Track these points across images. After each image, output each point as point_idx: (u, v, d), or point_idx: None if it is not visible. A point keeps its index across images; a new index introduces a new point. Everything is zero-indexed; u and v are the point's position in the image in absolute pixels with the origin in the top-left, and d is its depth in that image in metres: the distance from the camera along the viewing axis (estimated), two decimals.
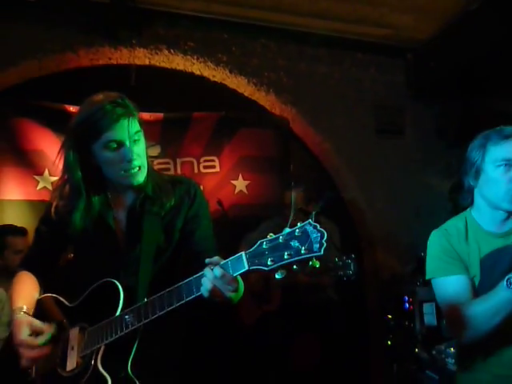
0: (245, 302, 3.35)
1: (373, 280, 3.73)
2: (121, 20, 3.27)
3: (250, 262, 1.24)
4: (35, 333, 1.43)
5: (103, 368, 1.39)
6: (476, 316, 1.47)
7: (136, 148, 1.48)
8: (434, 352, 2.54)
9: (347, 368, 3.19)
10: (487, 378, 1.57)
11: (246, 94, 3.73)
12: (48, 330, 1.44)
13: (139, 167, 1.50)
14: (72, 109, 3.40)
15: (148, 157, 1.57)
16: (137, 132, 1.48)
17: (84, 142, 1.48)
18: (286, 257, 1.19)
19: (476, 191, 1.65)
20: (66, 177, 1.55)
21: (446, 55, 3.50)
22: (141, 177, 1.52)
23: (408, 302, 2.94)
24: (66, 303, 1.56)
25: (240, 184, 3.70)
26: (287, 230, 1.22)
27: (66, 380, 1.44)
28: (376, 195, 3.78)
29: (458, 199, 3.57)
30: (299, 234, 1.20)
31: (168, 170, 3.60)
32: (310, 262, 1.21)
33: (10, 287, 1.62)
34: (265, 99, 3.74)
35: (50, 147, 3.35)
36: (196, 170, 3.66)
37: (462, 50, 3.33)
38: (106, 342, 1.39)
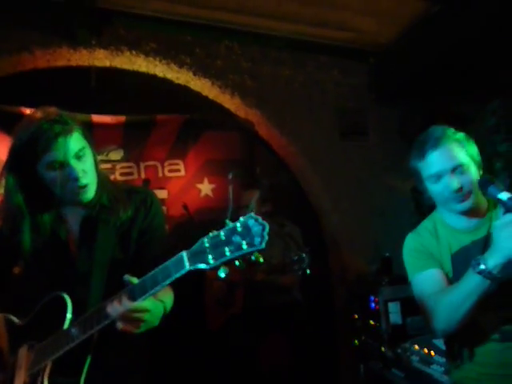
0: (209, 307, 3.34)
1: (339, 280, 3.76)
2: (80, 20, 3.18)
3: (191, 261, 1.22)
4: None
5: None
6: (447, 305, 1.50)
7: (81, 165, 1.43)
8: (399, 350, 2.58)
9: (315, 368, 3.20)
10: (473, 376, 1.60)
11: (210, 96, 3.70)
12: None
13: (86, 185, 1.45)
14: (28, 111, 3.28)
15: (98, 169, 1.52)
16: (81, 149, 1.43)
17: (26, 163, 1.42)
18: (227, 253, 1.17)
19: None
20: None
21: (406, 58, 3.58)
22: (89, 194, 1.48)
23: (374, 301, 2.98)
24: (16, 321, 1.49)
25: (205, 187, 3.67)
26: (229, 225, 1.20)
27: None
28: (341, 196, 3.82)
29: (420, 199, 3.66)
30: (241, 229, 1.18)
31: (131, 174, 3.53)
32: (253, 257, 1.21)
33: None
34: (230, 102, 3.72)
35: (5, 152, 3.21)
36: (160, 174, 3.60)
37: (422, 54, 3.41)
38: (53, 357, 1.34)
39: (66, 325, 1.36)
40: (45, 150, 1.38)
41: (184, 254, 1.24)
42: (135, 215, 1.55)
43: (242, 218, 1.19)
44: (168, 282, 1.26)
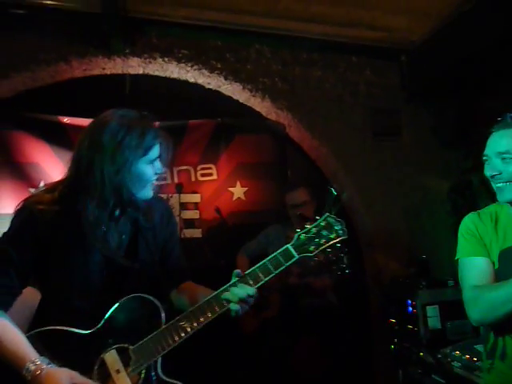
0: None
1: (374, 283, 3.70)
2: (114, 30, 3.26)
3: (297, 251, 1.52)
4: None
5: (167, 378, 1.44)
6: (490, 300, 1.50)
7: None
8: (439, 356, 2.51)
9: (351, 373, 3.16)
10: (506, 371, 1.57)
11: (241, 100, 3.72)
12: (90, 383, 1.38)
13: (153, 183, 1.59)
14: (66, 120, 3.38)
15: None
16: None
17: (129, 155, 1.51)
18: (322, 242, 1.52)
19: None
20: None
21: (439, 56, 3.50)
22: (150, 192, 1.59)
23: (411, 305, 2.91)
24: (79, 331, 1.44)
25: (238, 191, 3.69)
26: (312, 224, 1.54)
27: None
28: (374, 197, 3.76)
29: (457, 200, 3.56)
30: (325, 225, 1.54)
31: (165, 179, 3.58)
32: (338, 245, 1.54)
33: None
34: (260, 105, 3.73)
35: (44, 160, 3.33)
36: (193, 178, 3.64)
37: (455, 51, 3.32)
38: (164, 352, 1.43)
39: (163, 321, 1.45)
40: (153, 146, 1.54)
41: (289, 246, 1.52)
42: (160, 222, 1.64)
43: (321, 218, 1.55)
44: (280, 270, 1.51)
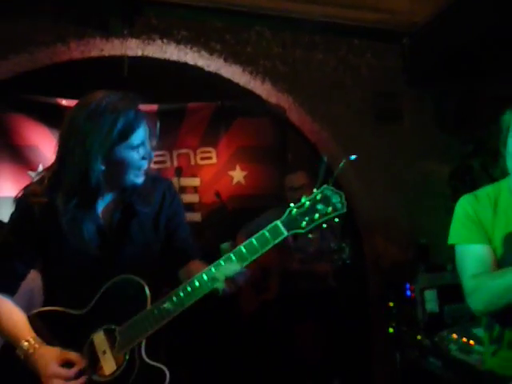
0: (243, 291, 3.38)
1: (373, 267, 3.72)
2: (112, 10, 3.22)
3: (287, 227, 1.41)
4: (65, 363, 1.38)
5: (151, 360, 1.40)
6: (493, 289, 1.45)
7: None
8: (436, 339, 2.53)
9: (349, 356, 3.19)
10: (510, 364, 1.54)
11: (241, 83, 3.68)
12: (80, 360, 1.40)
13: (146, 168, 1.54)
14: (65, 102, 3.35)
15: None
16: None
17: (114, 142, 1.46)
18: (316, 217, 1.40)
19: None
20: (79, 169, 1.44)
21: (442, 39, 3.45)
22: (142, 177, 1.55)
23: (410, 289, 2.93)
24: (72, 312, 1.48)
25: (237, 175, 3.68)
26: (307, 197, 1.43)
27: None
28: (374, 182, 3.76)
29: (458, 185, 3.54)
30: (321, 198, 1.42)
31: (164, 162, 3.58)
32: (336, 219, 1.43)
33: None
34: (260, 88, 3.69)
35: (43, 142, 3.31)
36: (193, 162, 3.63)
37: (458, 34, 3.28)
38: (148, 333, 1.40)
39: (148, 303, 1.42)
40: (133, 130, 1.46)
41: (278, 222, 1.42)
42: (162, 202, 1.61)
43: (317, 190, 1.43)
44: (267, 248, 1.43)
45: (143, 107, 3.69)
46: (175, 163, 3.59)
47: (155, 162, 3.54)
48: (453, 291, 1.65)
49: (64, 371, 1.36)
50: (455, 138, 3.81)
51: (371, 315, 3.70)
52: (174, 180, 3.52)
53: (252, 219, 3.43)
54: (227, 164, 3.66)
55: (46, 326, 1.47)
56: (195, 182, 3.61)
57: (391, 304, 3.17)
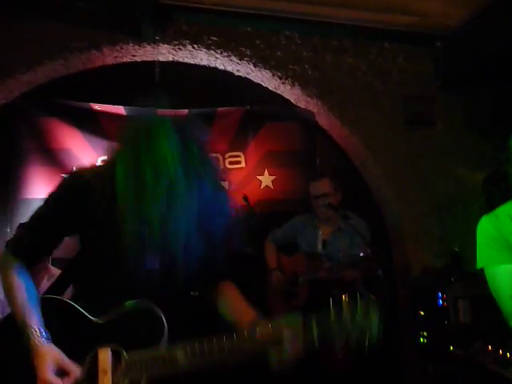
0: (272, 297, 3.36)
1: (404, 275, 3.64)
2: (144, 16, 3.26)
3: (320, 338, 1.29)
4: (61, 371, 1.31)
5: None
6: None
7: None
8: (470, 350, 2.45)
9: (378, 366, 3.12)
10: None
11: (270, 87, 3.68)
12: (76, 373, 1.32)
13: None
14: (97, 107, 3.43)
15: None
16: None
17: None
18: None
19: None
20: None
21: (476, 43, 3.37)
22: None
23: (442, 298, 2.85)
24: (90, 317, 1.39)
25: (266, 179, 3.67)
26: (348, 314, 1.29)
27: None
28: (405, 187, 3.68)
29: (493, 191, 3.44)
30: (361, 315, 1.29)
31: None
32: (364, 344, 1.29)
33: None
34: (290, 92, 3.68)
35: (76, 146, 3.39)
36: (222, 166, 3.64)
37: (493, 38, 3.20)
38: (150, 374, 1.30)
39: (161, 342, 1.33)
40: None
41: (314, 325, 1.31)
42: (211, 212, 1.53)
43: (362, 303, 1.30)
44: None
45: (173, 112, 3.75)
46: None
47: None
48: (487, 301, 1.58)
49: (55, 380, 1.29)
50: (489, 144, 3.70)
51: (401, 324, 3.62)
52: None
53: (279, 224, 3.42)
54: (256, 168, 3.66)
55: (56, 317, 1.40)
56: (224, 186, 3.61)
57: (422, 313, 3.09)
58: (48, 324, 1.36)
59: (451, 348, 2.65)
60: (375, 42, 3.72)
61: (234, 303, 1.53)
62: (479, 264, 1.60)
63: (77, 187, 1.42)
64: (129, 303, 1.37)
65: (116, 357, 1.34)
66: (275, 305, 3.20)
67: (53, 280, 1.64)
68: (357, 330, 1.26)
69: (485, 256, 1.58)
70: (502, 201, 1.69)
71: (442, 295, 2.86)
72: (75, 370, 1.32)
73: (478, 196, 3.59)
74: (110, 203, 1.37)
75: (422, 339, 3.01)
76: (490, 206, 1.68)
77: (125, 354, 1.33)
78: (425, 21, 3.49)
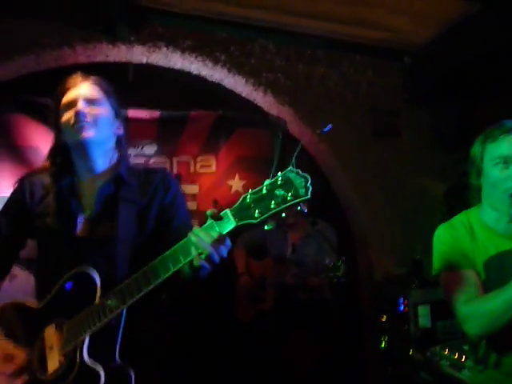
0: (240, 300, 3.40)
1: (367, 281, 3.74)
2: (119, 17, 3.26)
3: (237, 217, 1.24)
4: (6, 357, 1.37)
5: (91, 360, 1.32)
6: (487, 312, 1.46)
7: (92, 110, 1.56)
8: (428, 354, 2.55)
9: (341, 368, 3.20)
10: (499, 378, 1.56)
11: (243, 93, 3.72)
12: (21, 355, 1.39)
13: (90, 126, 1.53)
14: None
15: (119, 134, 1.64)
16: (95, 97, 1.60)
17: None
18: (272, 206, 1.20)
19: (482, 190, 1.64)
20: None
21: (443, 59, 3.52)
22: (93, 135, 1.53)
23: (403, 304, 2.95)
24: (32, 306, 1.47)
25: (236, 184, 3.70)
26: (268, 180, 1.23)
27: None
28: (371, 196, 3.80)
29: (453, 202, 3.59)
30: (282, 183, 1.21)
31: (164, 169, 3.59)
32: (299, 207, 1.28)
33: None
34: (262, 100, 3.74)
35: (45, 144, 3.31)
36: (192, 169, 3.65)
37: (459, 55, 3.35)
38: (90, 332, 1.32)
39: (97, 298, 1.36)
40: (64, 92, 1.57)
41: (227, 211, 1.26)
42: (154, 193, 1.57)
43: (280, 173, 1.23)
44: (213, 235, 1.28)
45: (146, 113, 3.73)
46: (175, 170, 3.61)
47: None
48: (446, 307, 1.65)
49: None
50: (453, 156, 3.86)
51: (364, 328, 3.71)
52: None
53: (249, 228, 3.46)
54: (226, 173, 3.69)
55: (9, 320, 1.48)
56: (194, 189, 3.63)
57: (384, 318, 3.19)
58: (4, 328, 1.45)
59: (410, 352, 2.74)
60: (347, 54, 3.83)
61: None
62: (435, 270, 1.65)
63: (24, 186, 1.59)
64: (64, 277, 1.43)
65: (60, 330, 1.39)
66: (243, 308, 3.23)
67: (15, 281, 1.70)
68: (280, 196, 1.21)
69: (441, 262, 1.63)
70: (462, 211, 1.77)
71: (403, 301, 2.96)
72: (20, 353, 1.40)
73: (439, 206, 3.74)
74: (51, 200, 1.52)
75: (383, 344, 3.10)
76: (451, 216, 1.76)
77: (67, 323, 1.38)
78: (394, 36, 3.61)
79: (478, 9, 3.07)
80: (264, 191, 1.22)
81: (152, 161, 3.55)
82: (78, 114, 1.50)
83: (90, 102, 1.55)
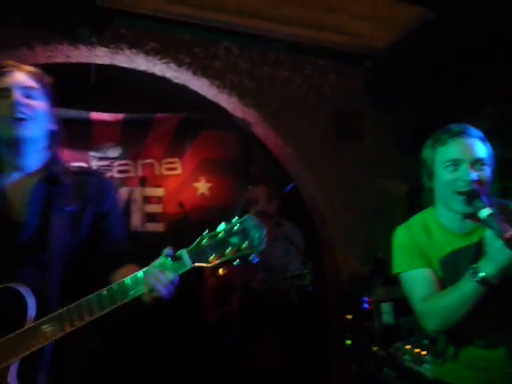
0: (206, 302, 3.39)
1: (333, 281, 3.80)
2: (80, 18, 3.20)
3: (193, 259, 1.30)
4: None
5: None
6: (443, 308, 1.51)
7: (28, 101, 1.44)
8: (391, 350, 2.62)
9: (307, 367, 3.24)
10: (454, 375, 1.63)
11: (208, 96, 3.72)
12: None
13: (24, 119, 1.40)
14: None
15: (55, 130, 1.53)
16: (31, 87, 1.47)
17: None
18: (227, 253, 1.26)
19: (434, 191, 1.69)
20: None
21: (402, 63, 3.64)
22: (27, 132, 1.41)
23: (367, 302, 3.02)
24: None
25: (202, 186, 3.70)
26: (223, 225, 1.28)
27: None
28: (335, 197, 3.87)
29: (414, 202, 3.70)
30: (239, 230, 1.27)
31: (128, 171, 3.55)
32: (250, 258, 1.29)
33: None
34: (227, 102, 3.75)
35: None
36: (157, 172, 3.62)
37: (417, 59, 3.47)
38: (22, 355, 1.24)
39: (28, 320, 1.27)
40: None
41: (184, 252, 1.30)
42: (89, 198, 1.49)
43: (239, 219, 1.28)
44: (171, 276, 1.32)
45: (109, 116, 3.68)
46: (139, 173, 3.57)
47: (119, 171, 3.52)
48: (408, 304, 1.70)
49: None
50: (413, 158, 3.97)
51: (329, 327, 3.77)
52: (138, 189, 3.51)
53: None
54: (192, 175, 3.68)
55: None
56: (159, 192, 3.60)
57: (349, 316, 3.25)
58: None
59: (374, 348, 2.81)
60: (310, 57, 3.89)
61: (126, 270, 1.48)
62: (395, 269, 1.71)
63: None
64: None
65: None
66: (209, 311, 3.22)
67: None
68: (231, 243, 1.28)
69: (400, 262, 1.69)
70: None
71: (367, 299, 3.02)
72: None
73: (401, 206, 3.85)
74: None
75: (347, 341, 3.16)
76: (412, 215, 1.81)
77: None
78: (356, 41, 3.70)
79: (434, 15, 3.19)
80: (220, 236, 1.27)
81: (116, 164, 3.50)
82: (14, 105, 1.36)
83: (27, 92, 1.41)
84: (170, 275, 1.30)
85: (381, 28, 3.53)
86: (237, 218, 1.29)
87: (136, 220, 3.49)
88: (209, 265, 1.28)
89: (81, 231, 1.46)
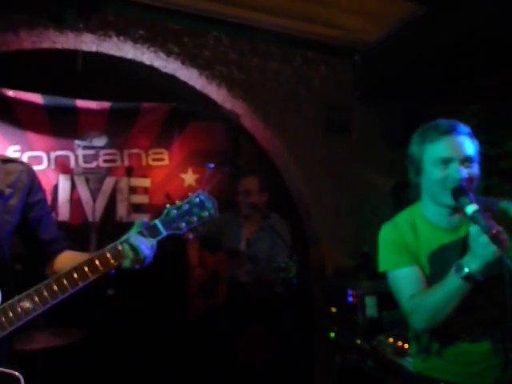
0: (192, 294, 3.39)
1: (319, 275, 3.82)
2: (67, 3, 3.13)
3: (166, 228, 1.50)
4: None
5: None
6: (431, 306, 1.51)
7: None
8: (374, 343, 2.65)
9: (292, 359, 3.26)
10: (438, 369, 1.64)
11: (197, 86, 3.69)
12: None
13: None
14: (11, 93, 3.23)
15: None
16: None
17: None
18: (194, 220, 1.51)
19: (421, 186, 1.69)
20: None
21: (391, 58, 3.63)
22: None
23: (351, 295, 3.04)
24: None
25: (189, 178, 3.68)
26: (187, 200, 1.52)
27: None
28: (322, 191, 3.88)
29: (401, 197, 3.73)
30: (197, 202, 1.52)
31: (115, 161, 3.52)
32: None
33: None
34: (216, 93, 3.72)
35: None
36: (144, 162, 3.59)
37: (407, 54, 3.47)
38: None
39: None
40: None
41: (157, 221, 1.50)
42: (18, 186, 1.51)
43: (192, 195, 1.53)
44: (144, 247, 1.47)
45: (95, 104, 3.62)
46: (126, 163, 3.54)
47: (105, 161, 3.48)
48: (391, 297, 1.71)
49: None
50: (401, 153, 3.99)
51: (314, 320, 3.80)
52: (124, 180, 3.48)
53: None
54: (179, 166, 3.65)
55: None
56: (146, 182, 3.57)
57: (334, 309, 3.27)
58: None
59: (357, 341, 2.84)
60: (300, 50, 3.87)
61: (68, 255, 1.61)
62: (381, 268, 1.70)
63: None
64: None
65: None
66: (195, 302, 3.22)
67: None
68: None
69: (386, 260, 1.68)
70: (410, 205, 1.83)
71: (352, 292, 3.05)
72: None
73: (387, 200, 3.87)
74: None
75: (331, 333, 3.19)
76: (398, 210, 1.81)
77: None
78: (346, 35, 3.69)
79: (425, 11, 3.19)
80: (184, 208, 1.51)
81: (102, 153, 3.46)
82: None
83: None
84: (151, 240, 1.47)
85: (372, 22, 3.52)
86: (190, 193, 1.53)
87: (122, 210, 3.45)
88: (181, 232, 1.50)
89: (14, 219, 1.50)
